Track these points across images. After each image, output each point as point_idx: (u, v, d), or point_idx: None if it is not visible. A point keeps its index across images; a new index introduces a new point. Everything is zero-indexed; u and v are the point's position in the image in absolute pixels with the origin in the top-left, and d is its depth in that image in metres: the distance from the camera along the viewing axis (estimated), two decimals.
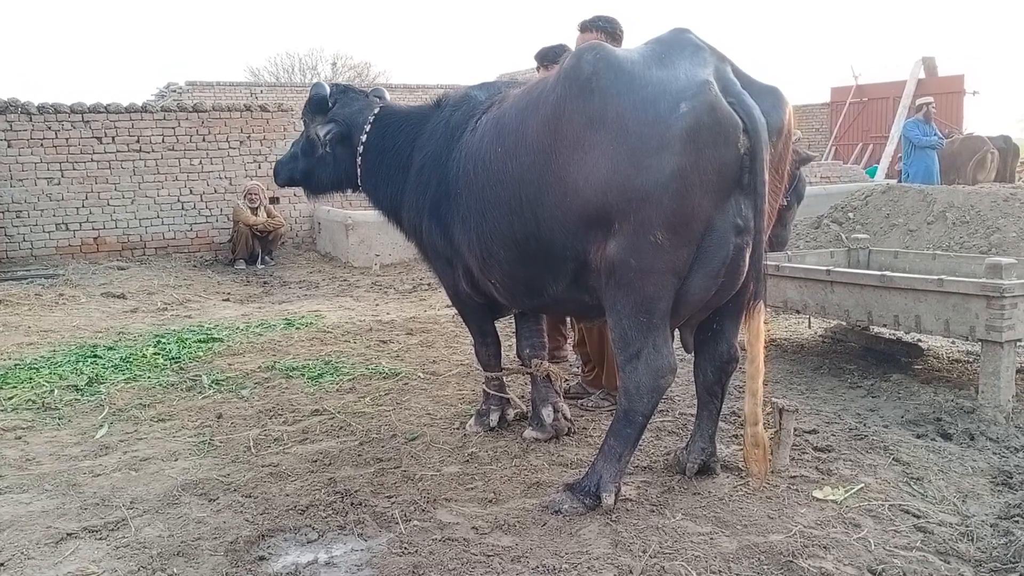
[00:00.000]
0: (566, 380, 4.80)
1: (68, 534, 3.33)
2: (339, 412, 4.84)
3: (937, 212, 8.93)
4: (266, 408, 4.95)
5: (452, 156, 3.93)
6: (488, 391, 4.53)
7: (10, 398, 5.22)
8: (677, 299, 3.24)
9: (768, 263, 3.52)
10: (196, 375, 5.72)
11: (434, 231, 4.09)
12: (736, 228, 3.18)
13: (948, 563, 2.98)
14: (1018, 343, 4.42)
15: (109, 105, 12.25)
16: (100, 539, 3.30)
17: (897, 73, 23.12)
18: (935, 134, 13.45)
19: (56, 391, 5.36)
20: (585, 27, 4.76)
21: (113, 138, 12.24)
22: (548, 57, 4.96)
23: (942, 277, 4.53)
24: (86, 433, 4.60)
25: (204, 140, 12.83)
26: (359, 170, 4.50)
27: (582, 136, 3.18)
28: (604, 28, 4.70)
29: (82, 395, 5.31)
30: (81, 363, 6.07)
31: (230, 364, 6.04)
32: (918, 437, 4.22)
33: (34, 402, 5.14)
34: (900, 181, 13.29)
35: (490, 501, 3.54)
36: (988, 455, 3.97)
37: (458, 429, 4.50)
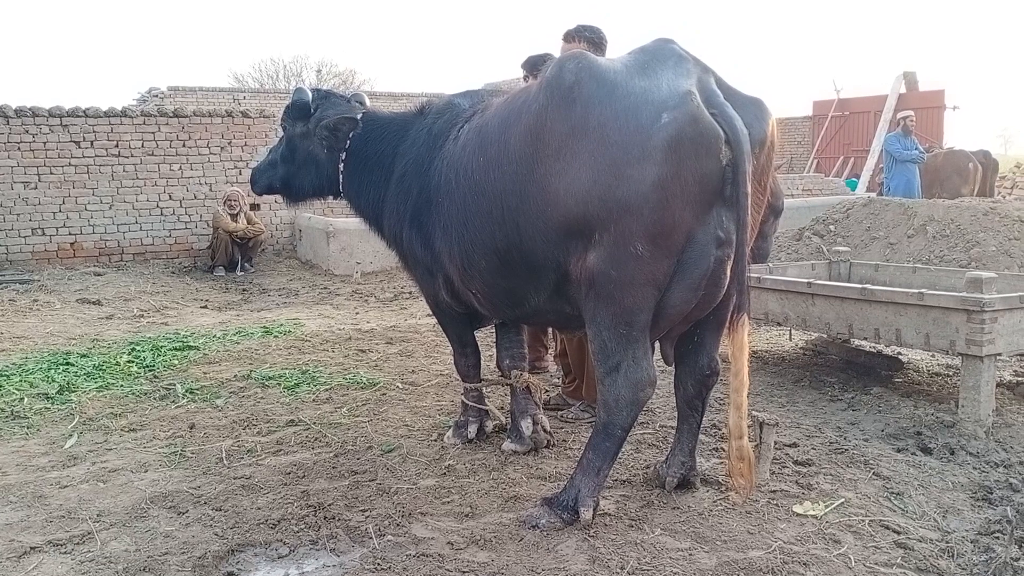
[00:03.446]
0: (546, 391, 4.75)
1: (32, 548, 3.24)
2: (315, 423, 4.76)
3: (918, 226, 8.98)
4: (240, 418, 4.86)
5: (434, 164, 3.89)
6: (467, 402, 4.47)
7: None
8: (657, 311, 3.20)
9: (750, 275, 3.51)
10: (170, 384, 5.62)
11: (415, 240, 4.04)
12: (717, 240, 3.15)
13: None
14: (998, 357, 4.42)
15: (88, 109, 12.10)
16: (65, 553, 3.21)
17: (878, 87, 23.36)
18: (916, 148, 13.56)
19: (26, 399, 5.24)
20: (569, 36, 4.74)
21: (91, 142, 12.08)
22: (536, 66, 4.93)
23: (923, 291, 4.53)
24: (55, 443, 4.49)
25: (184, 145, 12.70)
26: (341, 176, 4.44)
27: (563, 145, 3.14)
28: (588, 37, 4.68)
29: (52, 403, 5.19)
30: (53, 370, 5.94)
31: (205, 373, 5.94)
32: (898, 451, 4.20)
33: (2, 410, 5.02)
34: (881, 194, 13.39)
35: (466, 515, 3.48)
36: (968, 470, 3.95)
37: (436, 441, 4.44)
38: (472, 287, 3.80)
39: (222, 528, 3.38)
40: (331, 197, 4.68)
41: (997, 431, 4.38)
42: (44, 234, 11.90)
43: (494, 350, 4.60)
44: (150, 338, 7.13)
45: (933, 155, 15.03)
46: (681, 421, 3.74)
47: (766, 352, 6.33)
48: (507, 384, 4.40)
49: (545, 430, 4.33)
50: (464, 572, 2.99)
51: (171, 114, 12.75)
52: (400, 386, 5.59)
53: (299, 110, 4.56)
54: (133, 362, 6.21)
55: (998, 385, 4.82)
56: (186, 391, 5.44)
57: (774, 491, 3.67)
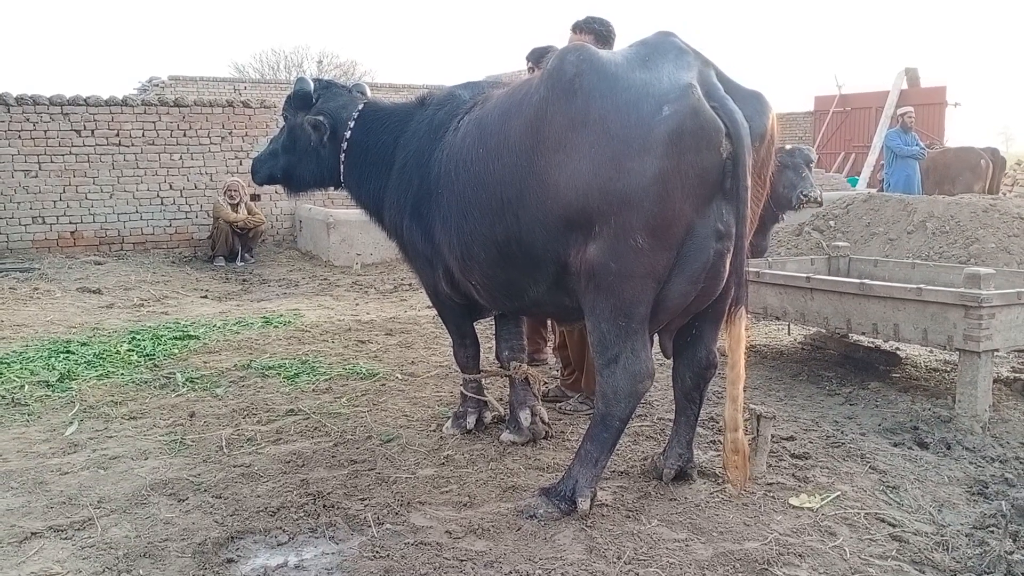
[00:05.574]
0: (545, 383, 4.77)
1: (33, 533, 3.26)
2: (314, 412, 4.78)
3: (917, 222, 9.00)
4: (240, 407, 4.88)
5: (434, 155, 3.89)
6: (466, 393, 4.49)
7: None
8: (657, 304, 3.21)
9: (749, 269, 3.53)
10: (170, 373, 5.64)
11: (415, 230, 4.05)
12: (717, 233, 3.16)
13: (923, 573, 2.97)
14: (995, 353, 4.43)
15: (89, 98, 12.11)
16: (65, 539, 3.23)
17: (880, 83, 23.33)
18: (917, 144, 13.55)
19: (27, 387, 5.26)
20: (577, 28, 4.72)
21: (92, 131, 12.10)
22: (542, 57, 4.91)
23: (921, 286, 4.54)
24: (55, 430, 4.51)
25: (185, 135, 12.72)
26: (342, 167, 4.45)
27: (564, 137, 3.15)
28: (597, 30, 4.66)
29: (53, 391, 5.22)
30: (53, 358, 5.96)
31: (205, 362, 5.96)
32: (895, 445, 4.22)
33: (3, 397, 5.04)
34: (881, 190, 13.39)
35: (465, 505, 3.50)
36: (964, 464, 3.97)
37: (435, 431, 4.46)
38: (471, 278, 3.81)
39: (222, 515, 3.40)
40: (332, 187, 4.69)
41: (993, 426, 4.40)
42: (45, 223, 11.93)
43: (493, 341, 4.61)
44: (150, 327, 7.16)
45: (942, 152, 15.01)
46: (679, 413, 3.75)
47: (765, 346, 6.35)
48: (506, 375, 4.42)
49: (543, 421, 4.35)
50: (462, 561, 3.01)
51: (172, 103, 12.76)
52: (399, 377, 5.61)
53: (301, 100, 4.56)
54: (133, 351, 6.23)
55: (995, 381, 4.83)
56: (186, 380, 5.46)
57: (771, 483, 3.69)
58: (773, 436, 4.00)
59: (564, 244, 3.26)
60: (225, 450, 4.19)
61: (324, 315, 7.95)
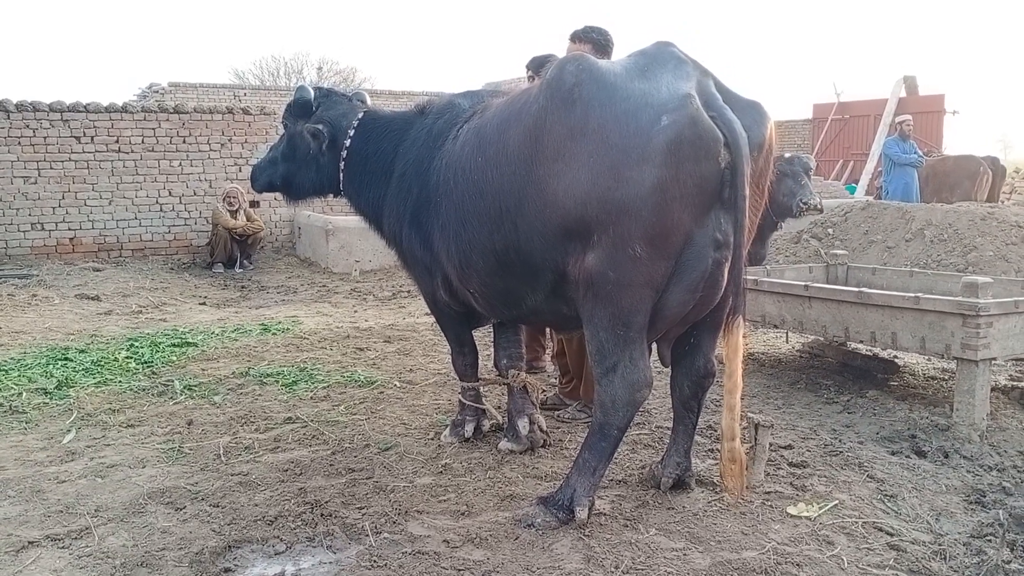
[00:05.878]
0: (543, 391, 4.77)
1: (30, 542, 3.26)
2: (312, 420, 4.78)
3: (915, 230, 9.01)
4: (238, 415, 4.87)
5: (433, 164, 3.91)
6: (464, 401, 4.49)
7: None
8: (655, 313, 3.22)
9: (747, 277, 3.53)
10: (168, 380, 5.63)
11: (414, 239, 4.06)
12: (715, 243, 3.17)
13: None
14: (993, 361, 4.43)
15: (89, 104, 12.12)
16: (63, 548, 3.22)
17: (879, 91, 23.39)
18: (915, 152, 13.58)
19: (24, 394, 5.26)
20: (576, 37, 4.73)
21: (92, 138, 12.11)
22: (542, 66, 4.92)
23: (919, 295, 4.54)
24: (53, 438, 4.50)
25: (184, 142, 12.73)
26: (341, 175, 4.46)
27: (563, 147, 3.16)
28: (595, 39, 4.67)
29: (51, 399, 5.21)
30: (51, 366, 5.96)
31: (203, 369, 5.96)
32: (893, 454, 4.22)
33: (1, 405, 5.04)
34: (879, 198, 13.42)
35: (462, 514, 3.50)
36: (962, 473, 3.97)
37: (433, 439, 4.45)
38: (469, 287, 3.81)
39: (219, 524, 3.40)
40: (331, 195, 4.70)
41: (991, 435, 4.40)
42: (44, 229, 11.93)
43: (492, 349, 4.62)
44: (149, 334, 7.15)
45: (941, 160, 15.04)
46: (677, 422, 3.76)
47: (763, 354, 6.35)
48: (504, 383, 4.42)
49: (542, 429, 4.34)
50: (459, 570, 3.00)
51: (172, 110, 12.78)
52: (398, 384, 5.60)
53: (301, 108, 4.57)
54: (131, 358, 6.23)
55: (993, 389, 4.84)
56: (184, 388, 5.45)
57: (768, 492, 3.69)
58: (771, 445, 4.00)
59: (562, 253, 3.27)
60: (223, 458, 4.19)
61: (322, 322, 7.95)
